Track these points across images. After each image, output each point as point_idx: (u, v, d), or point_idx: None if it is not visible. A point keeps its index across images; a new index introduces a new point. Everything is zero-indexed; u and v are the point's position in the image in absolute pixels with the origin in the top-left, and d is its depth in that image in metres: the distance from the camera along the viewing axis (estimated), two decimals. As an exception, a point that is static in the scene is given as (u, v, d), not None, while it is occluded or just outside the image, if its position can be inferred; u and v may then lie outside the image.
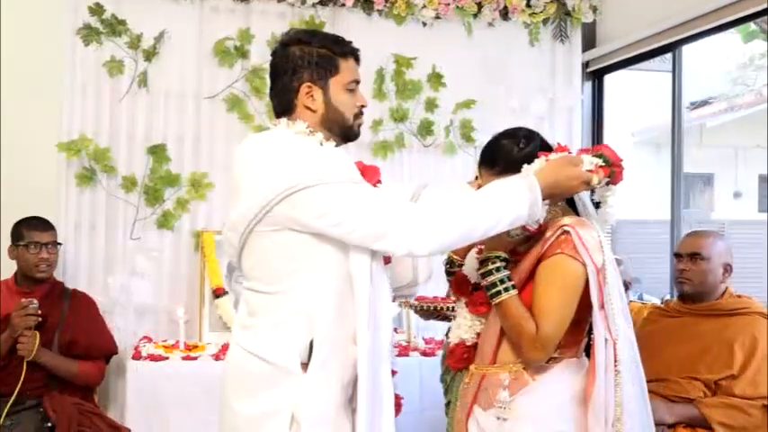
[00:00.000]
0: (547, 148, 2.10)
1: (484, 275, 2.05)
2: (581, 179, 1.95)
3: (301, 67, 2.00)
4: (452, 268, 2.29)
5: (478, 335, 2.16)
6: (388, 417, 1.96)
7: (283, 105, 2.04)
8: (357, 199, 1.88)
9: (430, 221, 1.87)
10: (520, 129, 2.16)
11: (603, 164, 1.97)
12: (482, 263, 2.06)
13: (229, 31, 4.06)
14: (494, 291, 2.02)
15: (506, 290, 2.01)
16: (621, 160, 2.01)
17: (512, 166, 2.04)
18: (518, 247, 2.09)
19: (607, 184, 2.02)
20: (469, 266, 2.16)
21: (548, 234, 2.03)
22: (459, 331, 2.19)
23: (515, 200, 1.89)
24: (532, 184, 1.90)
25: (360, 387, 1.88)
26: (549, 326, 1.97)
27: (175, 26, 4.00)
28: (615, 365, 1.95)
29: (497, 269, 2.02)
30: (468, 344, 2.17)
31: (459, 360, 2.19)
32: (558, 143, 2.09)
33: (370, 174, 2.07)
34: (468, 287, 2.17)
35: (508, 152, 2.08)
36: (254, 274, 1.99)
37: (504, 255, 2.04)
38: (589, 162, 1.96)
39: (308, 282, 1.92)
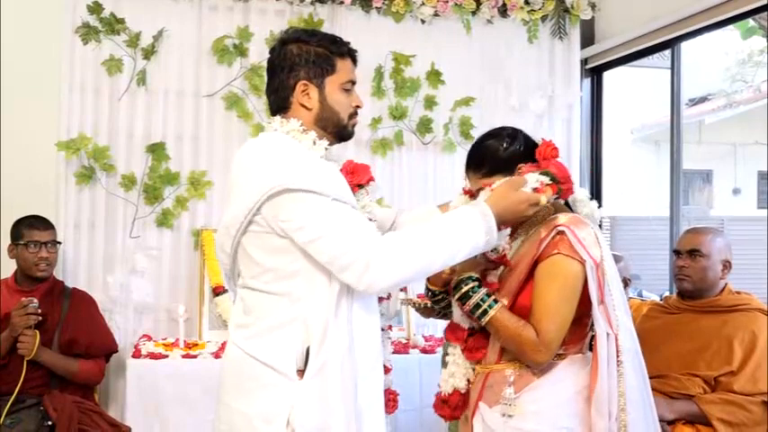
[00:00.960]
0: (532, 145, 2.09)
1: (462, 300, 2.03)
2: (529, 202, 1.93)
3: (298, 64, 2.01)
4: (434, 297, 2.23)
5: (469, 381, 2.15)
6: (377, 419, 1.97)
7: (279, 103, 2.04)
8: (334, 223, 1.86)
9: (388, 259, 1.84)
10: (504, 128, 2.16)
11: (551, 181, 1.95)
12: (456, 287, 2.04)
13: (228, 30, 4.06)
14: (479, 311, 2.00)
15: (491, 306, 1.99)
16: (569, 176, 1.99)
17: (498, 166, 2.05)
18: (489, 277, 2.07)
19: (556, 199, 2.00)
20: (458, 315, 2.13)
21: (543, 234, 2.03)
22: (452, 380, 2.15)
23: (471, 229, 1.88)
24: (485, 211, 1.90)
25: (343, 394, 1.88)
26: (551, 326, 1.97)
27: (174, 24, 4.01)
28: (617, 356, 1.96)
29: (473, 290, 2.01)
30: (462, 392, 2.15)
31: (455, 408, 2.15)
32: (543, 139, 2.08)
33: (360, 173, 2.06)
34: (463, 333, 2.13)
35: (494, 152, 2.08)
36: (250, 273, 1.98)
37: (475, 275, 2.03)
38: (534, 180, 1.94)
39: (306, 287, 1.91)
